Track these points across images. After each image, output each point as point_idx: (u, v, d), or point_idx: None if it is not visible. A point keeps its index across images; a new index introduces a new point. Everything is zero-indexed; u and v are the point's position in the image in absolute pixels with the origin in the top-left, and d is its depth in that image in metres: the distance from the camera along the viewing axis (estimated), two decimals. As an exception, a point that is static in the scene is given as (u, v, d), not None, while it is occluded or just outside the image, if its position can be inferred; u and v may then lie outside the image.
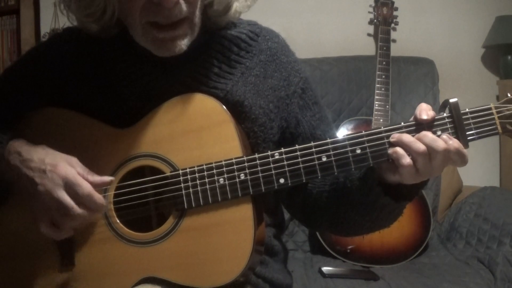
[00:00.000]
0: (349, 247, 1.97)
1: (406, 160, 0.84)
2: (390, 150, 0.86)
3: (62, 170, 0.88)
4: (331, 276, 1.83)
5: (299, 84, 1.05)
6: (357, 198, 0.94)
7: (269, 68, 1.02)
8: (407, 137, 0.85)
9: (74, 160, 0.91)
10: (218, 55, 0.99)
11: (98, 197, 0.89)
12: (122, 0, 0.87)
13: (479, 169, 2.58)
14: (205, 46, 0.98)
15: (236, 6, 0.97)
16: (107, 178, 0.91)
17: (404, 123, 0.87)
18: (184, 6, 0.86)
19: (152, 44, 0.90)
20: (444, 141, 0.84)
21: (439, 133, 0.85)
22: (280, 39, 1.07)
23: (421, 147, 0.83)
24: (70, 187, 0.87)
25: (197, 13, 0.91)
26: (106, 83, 0.98)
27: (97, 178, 0.91)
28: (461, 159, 0.84)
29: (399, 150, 0.85)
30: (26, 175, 0.90)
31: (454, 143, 0.84)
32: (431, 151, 0.83)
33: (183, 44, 0.90)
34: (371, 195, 0.91)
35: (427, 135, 0.84)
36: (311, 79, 1.10)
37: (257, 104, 0.99)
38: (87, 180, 0.89)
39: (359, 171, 0.94)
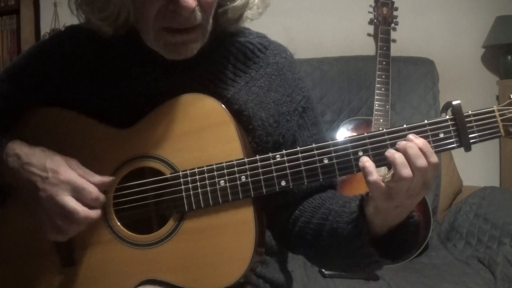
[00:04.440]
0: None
1: (407, 171, 0.82)
2: (387, 153, 0.84)
3: (65, 174, 0.88)
4: (331, 276, 1.83)
5: (301, 102, 1.05)
6: (341, 240, 0.92)
7: (274, 82, 1.02)
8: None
9: (73, 162, 0.91)
10: (224, 62, 0.99)
11: (103, 198, 0.89)
12: (137, 5, 0.87)
13: (479, 169, 2.58)
14: (212, 51, 0.98)
15: (248, 14, 0.97)
16: (107, 178, 0.91)
17: (406, 125, 0.87)
18: (199, 14, 0.86)
19: (164, 48, 0.90)
20: (408, 141, 0.83)
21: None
22: (287, 54, 1.07)
23: (424, 162, 0.82)
24: (76, 192, 0.87)
25: (210, 20, 0.91)
26: (107, 83, 0.98)
27: (98, 179, 0.90)
28: (427, 158, 0.82)
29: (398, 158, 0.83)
30: (28, 180, 0.89)
31: (420, 141, 0.83)
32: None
33: (194, 48, 0.91)
34: (356, 242, 0.90)
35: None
36: (313, 90, 1.10)
37: (258, 116, 0.99)
38: (88, 181, 0.89)
39: (349, 215, 0.92)
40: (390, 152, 0.84)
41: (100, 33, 0.93)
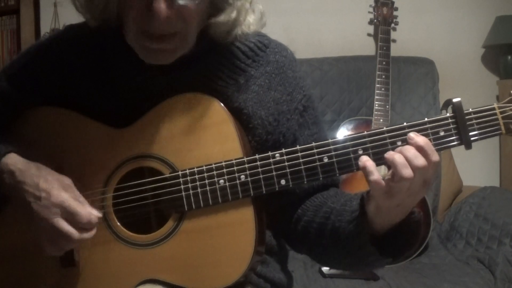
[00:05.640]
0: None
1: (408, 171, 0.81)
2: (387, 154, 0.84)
3: (57, 197, 0.87)
4: (331, 276, 1.83)
5: (302, 101, 1.04)
6: (342, 239, 0.92)
7: (274, 80, 1.01)
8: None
9: (67, 182, 0.90)
10: (223, 60, 0.98)
11: (96, 218, 0.89)
12: (121, 2, 0.87)
13: (479, 169, 2.58)
14: (210, 50, 0.97)
15: (238, 30, 0.96)
16: (95, 213, 0.90)
17: (406, 123, 0.86)
18: (176, 22, 0.85)
19: (141, 50, 0.90)
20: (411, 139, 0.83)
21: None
22: (288, 52, 1.06)
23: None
24: (68, 215, 0.87)
25: (192, 30, 0.89)
26: (105, 82, 0.98)
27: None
28: (428, 156, 0.82)
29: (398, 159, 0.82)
30: (22, 199, 0.89)
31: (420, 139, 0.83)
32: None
33: (171, 57, 0.90)
34: (357, 241, 0.90)
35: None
36: (313, 90, 1.09)
37: (257, 114, 0.98)
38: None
39: (350, 213, 0.92)
40: (389, 154, 0.84)
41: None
